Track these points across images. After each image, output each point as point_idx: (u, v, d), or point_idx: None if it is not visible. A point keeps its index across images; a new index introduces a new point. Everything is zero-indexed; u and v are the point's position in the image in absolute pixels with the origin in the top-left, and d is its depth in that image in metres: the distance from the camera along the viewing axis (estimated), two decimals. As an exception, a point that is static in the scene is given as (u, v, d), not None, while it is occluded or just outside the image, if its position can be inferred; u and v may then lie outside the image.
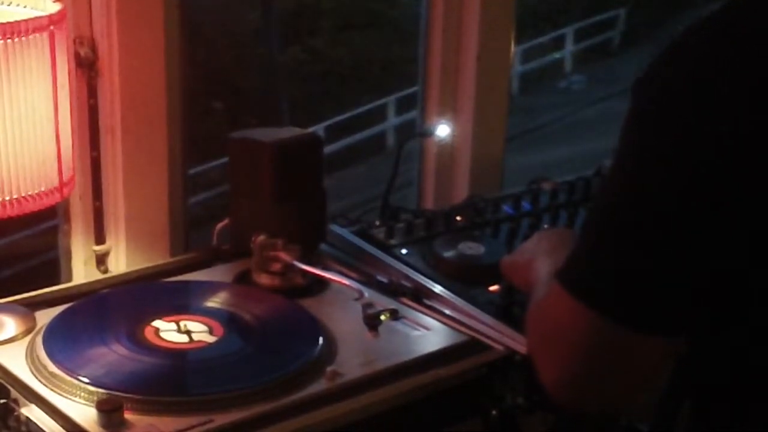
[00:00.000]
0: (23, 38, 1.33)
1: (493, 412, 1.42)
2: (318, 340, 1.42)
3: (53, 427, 1.24)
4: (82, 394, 1.29)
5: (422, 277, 1.61)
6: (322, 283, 1.60)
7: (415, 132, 2.27)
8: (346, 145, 9.25)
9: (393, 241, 1.72)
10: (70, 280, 1.78)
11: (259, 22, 9.94)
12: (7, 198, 1.37)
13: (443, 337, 1.48)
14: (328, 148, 8.12)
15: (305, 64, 9.83)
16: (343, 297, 1.55)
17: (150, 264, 1.71)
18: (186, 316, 1.47)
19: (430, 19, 2.15)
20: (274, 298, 1.56)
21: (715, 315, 1.03)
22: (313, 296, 1.58)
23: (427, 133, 2.17)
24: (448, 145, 2.19)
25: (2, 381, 1.31)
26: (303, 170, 1.68)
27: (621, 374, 1.05)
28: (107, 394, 1.27)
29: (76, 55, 1.67)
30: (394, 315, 1.47)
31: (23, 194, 1.38)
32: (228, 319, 1.49)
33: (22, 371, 1.35)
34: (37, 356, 1.36)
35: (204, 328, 1.45)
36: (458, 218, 1.81)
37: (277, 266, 1.60)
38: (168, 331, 1.44)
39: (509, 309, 1.52)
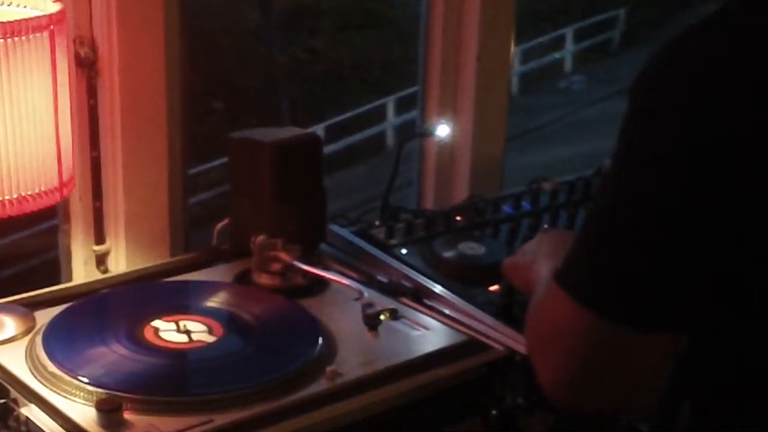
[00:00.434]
0: (23, 38, 1.33)
1: (493, 412, 1.42)
2: (318, 340, 1.42)
3: (53, 427, 1.24)
4: (82, 394, 1.29)
5: (422, 277, 1.61)
6: (322, 283, 1.60)
7: (415, 132, 2.27)
8: (346, 145, 9.26)
9: (393, 241, 1.72)
10: (70, 280, 1.78)
11: (259, 22, 9.94)
12: (7, 198, 1.37)
13: (443, 337, 1.48)
14: (328, 148, 8.13)
15: (305, 64, 9.83)
16: (343, 297, 1.55)
17: (150, 264, 1.71)
18: (186, 316, 1.47)
19: (430, 19, 2.15)
20: (274, 298, 1.56)
21: (715, 315, 1.03)
22: (313, 296, 1.58)
23: (427, 133, 2.17)
24: (448, 145, 2.19)
25: (2, 381, 1.31)
26: (303, 170, 1.68)
27: (620, 375, 1.05)
28: (107, 394, 1.27)
29: (76, 55, 1.67)
30: (394, 315, 1.47)
31: (23, 194, 1.38)
32: (228, 319, 1.49)
33: (21, 371, 1.35)
34: (37, 356, 1.36)
35: (204, 328, 1.45)
36: (458, 218, 1.81)
37: (277, 266, 1.60)
38: (168, 331, 1.44)
39: (509, 309, 1.52)
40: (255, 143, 1.66)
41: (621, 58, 11.72)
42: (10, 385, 1.30)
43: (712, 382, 1.10)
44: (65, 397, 1.29)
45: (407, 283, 1.60)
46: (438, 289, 1.58)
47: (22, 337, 1.43)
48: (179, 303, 1.53)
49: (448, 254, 1.66)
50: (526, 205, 1.87)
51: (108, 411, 1.23)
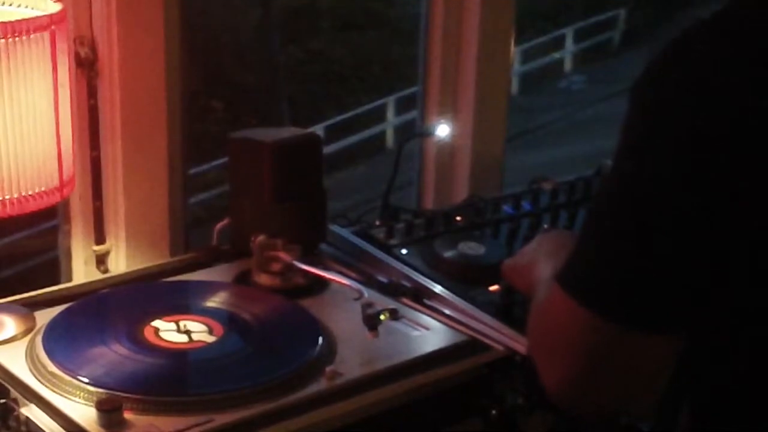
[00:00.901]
0: (24, 38, 1.33)
1: (493, 412, 1.42)
2: (318, 340, 1.42)
3: (53, 426, 1.24)
4: (82, 393, 1.29)
5: (422, 277, 1.61)
6: (322, 283, 1.60)
7: (415, 132, 2.27)
8: (346, 145, 9.26)
9: (393, 241, 1.72)
10: (70, 280, 1.78)
11: (259, 21, 9.94)
12: (8, 197, 1.37)
13: (443, 337, 1.48)
14: (328, 148, 8.13)
15: (305, 64, 9.83)
16: (343, 297, 1.55)
17: (150, 264, 1.71)
18: (186, 316, 1.47)
19: (430, 19, 2.15)
20: (274, 298, 1.56)
21: (716, 314, 1.03)
22: (313, 296, 1.58)
23: (427, 133, 2.17)
24: (448, 145, 2.19)
25: (2, 381, 1.31)
26: (303, 170, 1.68)
27: (621, 375, 1.05)
28: (107, 393, 1.27)
29: (76, 55, 1.67)
30: (394, 315, 1.47)
31: (23, 194, 1.38)
32: (228, 319, 1.49)
33: (21, 371, 1.35)
34: (37, 356, 1.36)
35: (204, 328, 1.45)
36: (458, 218, 1.81)
37: (277, 266, 1.60)
38: (168, 331, 1.44)
39: (509, 309, 1.52)
40: (255, 143, 1.66)
41: (621, 58, 11.72)
42: (11, 385, 1.30)
43: (712, 382, 1.10)
44: (65, 397, 1.29)
45: (407, 283, 1.60)
46: (438, 289, 1.58)
47: (22, 337, 1.43)
48: (179, 303, 1.53)
49: (448, 254, 1.66)
50: (526, 205, 1.87)
51: (108, 411, 1.23)
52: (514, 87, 10.28)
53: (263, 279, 1.61)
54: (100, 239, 1.77)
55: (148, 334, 1.43)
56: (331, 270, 1.63)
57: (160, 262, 1.73)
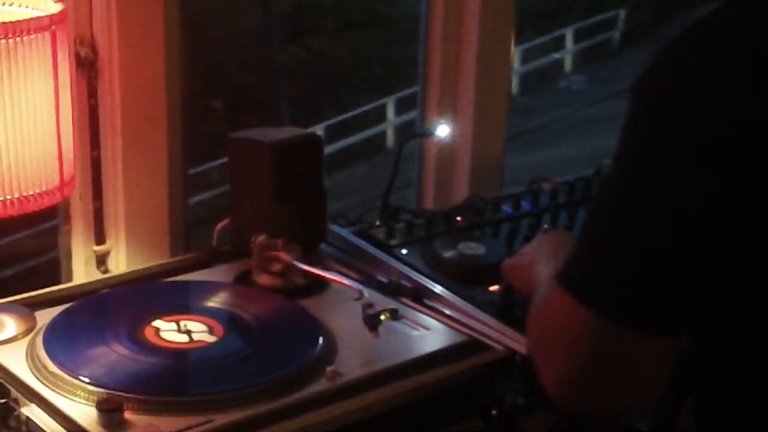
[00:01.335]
0: (24, 38, 1.34)
1: (493, 412, 1.42)
2: (318, 340, 1.42)
3: (53, 426, 1.24)
4: (83, 393, 1.29)
5: (422, 277, 1.61)
6: (322, 283, 1.60)
7: (415, 132, 2.27)
8: (346, 145, 9.25)
9: (393, 241, 1.72)
10: (70, 280, 1.78)
11: (259, 21, 9.94)
12: (8, 197, 1.37)
13: (443, 337, 1.48)
14: (328, 148, 8.12)
15: (305, 64, 9.82)
16: (343, 297, 1.55)
17: (150, 264, 1.71)
18: (186, 316, 1.48)
19: (430, 19, 2.15)
20: (274, 298, 1.56)
21: (716, 314, 1.03)
22: (313, 296, 1.58)
23: (427, 133, 2.17)
24: (448, 145, 2.19)
25: (2, 381, 1.31)
26: (303, 170, 1.68)
27: (621, 374, 1.05)
28: (107, 393, 1.27)
29: (77, 55, 1.67)
30: (394, 315, 1.47)
31: (24, 194, 1.38)
32: (228, 319, 1.49)
33: (22, 371, 1.35)
34: (38, 356, 1.36)
35: (204, 328, 1.45)
36: (458, 218, 1.81)
37: (277, 266, 1.60)
38: (168, 331, 1.44)
39: (509, 309, 1.53)
40: (255, 143, 1.66)
41: (621, 58, 11.72)
42: (11, 385, 1.30)
43: (713, 381, 1.10)
44: (66, 396, 1.29)
45: (407, 283, 1.60)
46: (438, 289, 1.58)
47: (22, 337, 1.43)
48: (180, 303, 1.53)
49: (448, 254, 1.66)
50: (526, 205, 1.87)
51: (109, 411, 1.23)
52: (514, 87, 10.28)
53: (263, 279, 1.61)
54: (100, 239, 1.78)
55: (148, 334, 1.43)
56: (332, 270, 1.63)
57: (161, 262, 1.73)
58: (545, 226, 1.80)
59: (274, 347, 1.43)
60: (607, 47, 12.42)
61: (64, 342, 1.39)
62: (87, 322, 1.47)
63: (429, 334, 1.48)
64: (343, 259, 1.70)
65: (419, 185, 2.24)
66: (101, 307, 1.55)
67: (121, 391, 1.28)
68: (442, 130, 2.14)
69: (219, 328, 1.45)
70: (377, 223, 1.80)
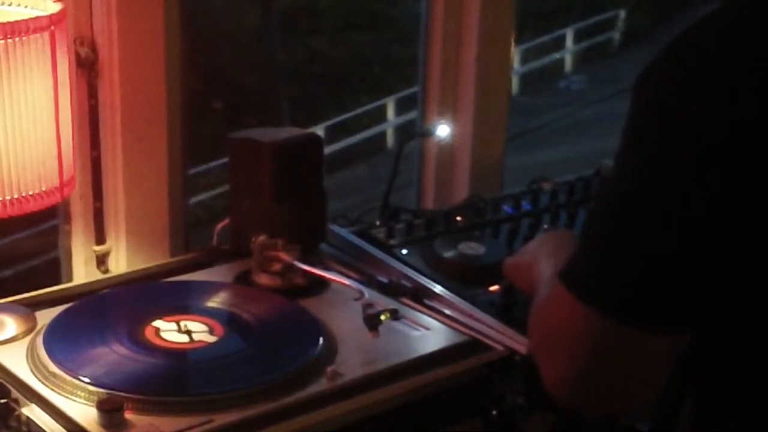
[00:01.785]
0: (24, 38, 1.34)
1: (493, 412, 1.42)
2: (318, 340, 1.42)
3: (54, 426, 1.24)
4: (83, 393, 1.29)
5: (422, 277, 1.61)
6: (322, 283, 1.60)
7: (415, 132, 2.27)
8: (346, 145, 9.26)
9: (393, 241, 1.72)
10: (70, 280, 1.78)
11: (259, 21, 9.94)
12: (8, 198, 1.37)
13: (443, 337, 1.48)
14: (328, 148, 8.13)
15: (305, 64, 9.82)
16: (343, 297, 1.55)
17: (150, 264, 1.71)
18: (186, 316, 1.48)
19: (430, 19, 2.15)
20: (274, 298, 1.56)
21: (717, 314, 1.03)
22: (313, 296, 1.58)
23: (427, 133, 2.17)
24: (448, 145, 2.19)
25: (3, 381, 1.31)
26: (303, 170, 1.68)
27: (623, 373, 1.05)
28: (108, 393, 1.27)
29: (77, 55, 1.67)
30: (395, 315, 1.47)
31: (23, 194, 1.38)
32: (228, 319, 1.49)
33: (22, 371, 1.35)
34: (38, 356, 1.36)
35: (204, 328, 1.45)
36: (458, 218, 1.81)
37: (277, 266, 1.60)
38: (168, 331, 1.44)
39: (509, 309, 1.53)
40: (255, 143, 1.66)
41: (621, 58, 11.72)
42: (11, 385, 1.30)
43: (713, 381, 1.10)
44: (66, 397, 1.29)
45: (407, 283, 1.60)
46: (438, 289, 1.58)
47: (23, 337, 1.43)
48: (180, 303, 1.53)
49: (448, 254, 1.66)
50: (526, 205, 1.87)
51: (109, 411, 1.23)
52: (514, 87, 10.27)
53: (263, 279, 1.61)
54: (100, 239, 1.78)
55: (149, 334, 1.43)
56: (332, 270, 1.63)
57: (161, 262, 1.73)
58: (545, 226, 1.80)
59: (274, 347, 1.43)
60: (607, 47, 12.42)
61: (65, 342, 1.39)
62: (87, 322, 1.47)
63: (429, 334, 1.48)
64: (343, 259, 1.70)
65: (419, 185, 2.24)
66: (101, 307, 1.55)
67: (121, 391, 1.28)
68: (442, 130, 2.14)
69: (219, 328, 1.45)
70: (377, 223, 1.80)
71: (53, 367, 1.33)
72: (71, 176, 1.47)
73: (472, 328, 1.49)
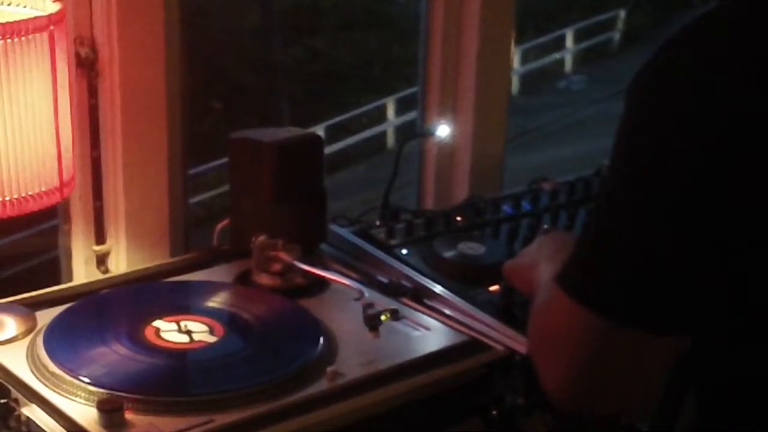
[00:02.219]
0: (23, 38, 1.33)
1: (493, 412, 1.42)
2: (318, 340, 1.42)
3: (54, 426, 1.24)
4: (83, 394, 1.29)
5: (422, 277, 1.61)
6: (322, 283, 1.60)
7: (415, 132, 2.27)
8: (346, 146, 9.26)
9: (393, 241, 1.72)
10: (70, 280, 1.78)
11: (259, 21, 9.94)
12: (7, 198, 1.37)
13: (443, 337, 1.48)
14: (329, 148, 8.13)
15: (305, 64, 9.83)
16: (343, 297, 1.55)
17: (150, 264, 1.71)
18: (186, 316, 1.48)
19: (430, 19, 2.15)
20: (274, 298, 1.56)
21: (716, 314, 1.03)
22: (313, 296, 1.58)
23: (427, 133, 2.17)
24: (448, 145, 2.19)
25: (3, 381, 1.31)
26: (303, 170, 1.68)
27: (622, 375, 1.05)
28: (108, 394, 1.27)
29: (77, 55, 1.67)
30: (395, 315, 1.47)
31: (23, 194, 1.38)
32: (228, 320, 1.49)
33: (22, 371, 1.35)
34: (38, 356, 1.36)
35: (204, 328, 1.45)
36: (458, 218, 1.81)
37: (277, 266, 1.60)
38: (169, 331, 1.44)
39: (509, 309, 1.52)
40: (255, 143, 1.66)
41: (621, 58, 11.71)
42: (11, 385, 1.30)
43: (714, 381, 1.10)
44: (66, 397, 1.29)
45: (407, 283, 1.60)
46: (438, 289, 1.58)
47: (23, 337, 1.43)
48: (180, 303, 1.53)
49: (448, 254, 1.66)
50: (526, 205, 1.87)
51: (109, 411, 1.23)
52: (514, 87, 10.28)
53: (263, 279, 1.61)
54: (100, 239, 1.78)
55: (149, 334, 1.43)
56: (332, 270, 1.63)
57: (161, 262, 1.73)
58: (545, 226, 1.79)
59: (274, 347, 1.43)
60: (607, 47, 12.42)
61: (65, 342, 1.39)
62: (87, 322, 1.47)
63: (429, 334, 1.48)
64: (343, 259, 1.70)
65: (419, 185, 2.24)
66: (101, 307, 1.55)
67: (121, 391, 1.28)
68: (442, 130, 2.14)
69: (219, 329, 1.45)
70: (377, 223, 1.80)
71: (53, 367, 1.33)
72: (71, 176, 1.47)
73: (472, 328, 1.49)
